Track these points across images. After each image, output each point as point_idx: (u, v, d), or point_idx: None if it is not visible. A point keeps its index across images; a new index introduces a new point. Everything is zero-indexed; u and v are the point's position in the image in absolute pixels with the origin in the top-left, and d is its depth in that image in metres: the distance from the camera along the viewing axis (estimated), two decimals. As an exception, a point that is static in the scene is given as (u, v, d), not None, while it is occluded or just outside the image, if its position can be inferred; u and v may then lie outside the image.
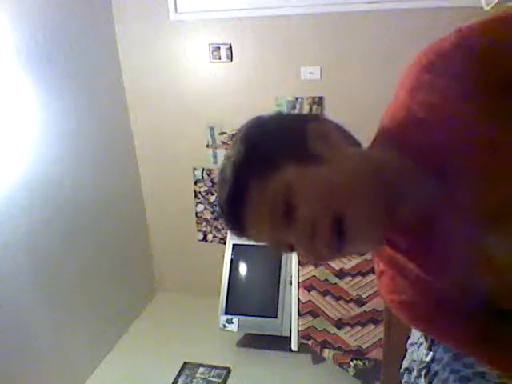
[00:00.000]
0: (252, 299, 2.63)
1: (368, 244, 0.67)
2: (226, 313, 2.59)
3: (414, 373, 1.13)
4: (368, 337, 2.23)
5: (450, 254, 0.64)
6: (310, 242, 0.62)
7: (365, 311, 2.24)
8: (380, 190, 0.63)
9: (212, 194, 2.90)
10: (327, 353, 2.32)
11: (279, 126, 0.69)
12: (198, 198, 2.94)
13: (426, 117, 0.62)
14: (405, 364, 1.23)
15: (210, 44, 2.58)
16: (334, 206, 0.61)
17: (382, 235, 0.66)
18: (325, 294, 2.31)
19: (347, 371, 2.27)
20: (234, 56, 2.58)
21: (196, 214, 2.97)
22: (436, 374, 1.02)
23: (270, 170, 0.63)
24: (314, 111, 2.53)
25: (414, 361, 1.15)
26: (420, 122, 0.63)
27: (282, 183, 0.62)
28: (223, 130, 2.72)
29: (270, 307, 2.53)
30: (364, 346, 2.23)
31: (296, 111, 2.57)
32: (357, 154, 0.68)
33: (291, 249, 0.67)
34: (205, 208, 2.95)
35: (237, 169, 0.65)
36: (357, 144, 0.71)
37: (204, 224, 2.99)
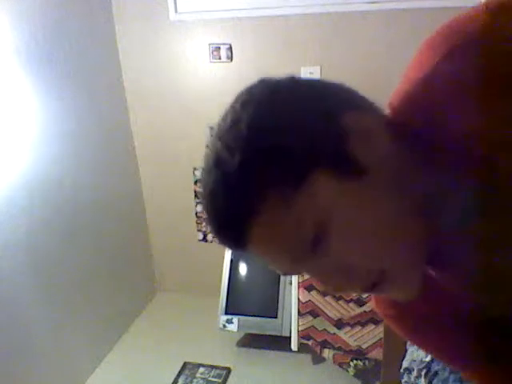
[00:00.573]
0: (252, 299, 2.63)
1: (408, 290, 0.55)
2: (226, 313, 2.59)
3: (414, 373, 1.14)
4: (368, 337, 2.23)
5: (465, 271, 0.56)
6: (341, 280, 0.52)
7: (365, 311, 2.24)
8: (423, 220, 0.51)
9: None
10: (327, 353, 2.32)
11: (301, 106, 0.49)
12: (198, 198, 2.93)
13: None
14: (405, 364, 1.23)
15: (209, 44, 2.58)
16: (379, 258, 0.50)
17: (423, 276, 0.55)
18: (325, 294, 2.31)
19: (347, 371, 2.27)
20: (234, 56, 2.58)
21: (196, 214, 2.97)
22: (436, 373, 1.03)
23: (294, 181, 0.46)
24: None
25: (414, 361, 1.16)
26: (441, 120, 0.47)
27: (316, 205, 0.46)
28: (223, 130, 2.72)
29: (270, 307, 2.53)
30: (364, 346, 2.23)
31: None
32: (394, 161, 0.50)
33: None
34: (205, 208, 2.94)
35: (247, 169, 0.46)
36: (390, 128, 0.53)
37: (204, 224, 2.99)
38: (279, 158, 0.46)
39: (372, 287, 0.52)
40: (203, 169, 0.51)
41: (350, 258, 0.49)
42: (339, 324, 2.28)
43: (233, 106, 0.51)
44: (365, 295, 2.24)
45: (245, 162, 0.46)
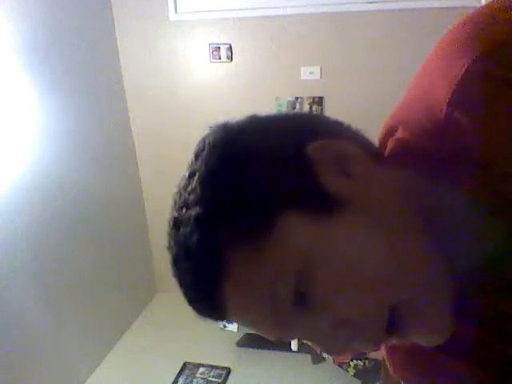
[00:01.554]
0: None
1: (438, 324, 0.44)
2: (226, 313, 2.59)
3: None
4: (368, 337, 2.23)
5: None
6: (346, 338, 0.42)
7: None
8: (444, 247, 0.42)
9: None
10: (327, 353, 2.32)
11: (256, 147, 0.43)
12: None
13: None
14: (405, 364, 1.22)
15: (210, 44, 2.58)
16: (387, 294, 0.41)
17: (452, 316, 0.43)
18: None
19: (347, 371, 2.26)
20: (234, 56, 2.58)
21: (196, 213, 2.97)
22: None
23: (259, 231, 0.40)
24: (314, 111, 2.53)
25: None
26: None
27: (289, 252, 0.40)
28: (223, 130, 2.72)
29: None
30: (364, 346, 2.23)
31: (295, 110, 2.56)
32: (393, 182, 0.44)
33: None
34: (205, 208, 2.94)
35: (204, 228, 0.41)
36: (375, 153, 0.48)
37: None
38: (237, 209, 0.40)
39: (389, 333, 0.42)
40: (168, 226, 0.46)
41: (349, 306, 0.41)
42: (339, 324, 2.28)
43: (190, 159, 0.46)
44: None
45: (201, 220, 0.41)
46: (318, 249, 0.40)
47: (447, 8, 2.18)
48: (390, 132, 0.48)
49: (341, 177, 0.42)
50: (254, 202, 0.40)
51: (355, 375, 2.25)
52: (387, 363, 0.56)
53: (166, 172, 2.95)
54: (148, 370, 2.50)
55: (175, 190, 0.46)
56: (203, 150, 0.44)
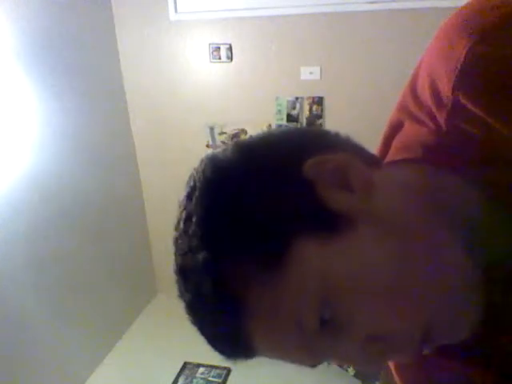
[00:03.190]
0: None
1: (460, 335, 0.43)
2: (226, 313, 2.59)
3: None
4: (368, 337, 2.23)
5: None
6: (379, 358, 0.42)
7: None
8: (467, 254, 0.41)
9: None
10: (327, 353, 2.32)
11: (254, 174, 0.41)
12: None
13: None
14: (405, 364, 1.23)
15: (210, 44, 2.58)
16: (416, 307, 0.40)
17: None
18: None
19: (347, 371, 2.26)
20: (233, 56, 2.57)
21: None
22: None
23: (274, 257, 0.38)
24: (313, 111, 2.53)
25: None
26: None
27: (309, 280, 0.38)
28: (223, 130, 2.72)
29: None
30: (364, 346, 2.23)
31: (296, 111, 2.56)
32: (399, 185, 0.44)
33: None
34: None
35: (214, 273, 0.39)
36: (375, 161, 0.47)
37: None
38: (242, 245, 0.39)
39: (421, 346, 0.41)
40: (175, 274, 0.44)
41: (377, 323, 0.39)
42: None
43: (181, 202, 0.44)
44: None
45: (209, 264, 0.39)
46: (337, 270, 0.39)
47: (447, 8, 2.18)
48: (395, 128, 0.49)
49: (343, 192, 0.41)
50: (258, 235, 0.39)
51: (355, 375, 2.25)
52: (397, 380, 0.55)
53: (166, 172, 2.95)
54: (148, 370, 2.50)
55: (173, 234, 0.44)
56: (195, 189, 0.43)
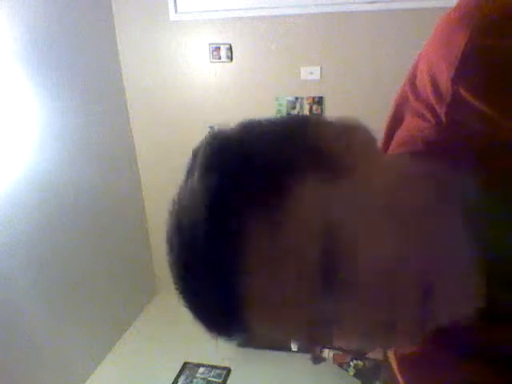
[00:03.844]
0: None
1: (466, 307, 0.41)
2: (226, 313, 2.59)
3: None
4: (368, 337, 2.23)
5: None
6: (383, 316, 0.39)
7: (365, 311, 2.24)
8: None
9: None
10: (327, 353, 2.32)
11: (261, 126, 0.43)
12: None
13: None
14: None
15: (210, 44, 2.58)
16: (419, 258, 0.38)
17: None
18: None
19: (347, 371, 2.26)
20: (233, 56, 2.57)
21: (196, 214, 2.97)
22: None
23: (281, 197, 0.38)
24: (314, 111, 2.53)
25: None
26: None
27: (313, 217, 0.38)
28: (223, 130, 2.72)
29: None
30: (364, 346, 2.23)
31: (296, 111, 2.56)
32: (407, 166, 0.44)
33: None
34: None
35: (213, 205, 0.37)
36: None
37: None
38: (246, 179, 0.38)
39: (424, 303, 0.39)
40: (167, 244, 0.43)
41: (380, 259, 0.38)
42: (339, 324, 2.28)
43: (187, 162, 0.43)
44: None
45: (208, 203, 0.38)
46: (340, 209, 0.38)
47: (447, 8, 2.18)
48: (396, 122, 0.49)
49: (348, 151, 0.41)
50: (262, 173, 0.39)
51: (355, 375, 2.25)
52: (399, 379, 0.51)
53: (166, 172, 2.94)
54: (148, 370, 2.50)
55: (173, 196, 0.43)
56: (198, 151, 0.42)
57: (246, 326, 0.41)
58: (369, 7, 2.31)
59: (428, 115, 0.43)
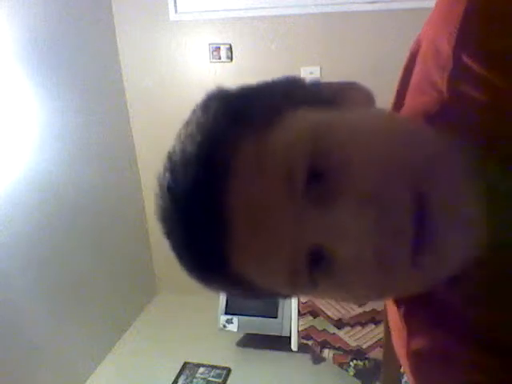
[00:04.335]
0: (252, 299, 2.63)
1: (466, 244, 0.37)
2: (226, 313, 2.59)
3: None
4: (368, 337, 2.23)
5: None
6: (370, 233, 0.35)
7: (365, 311, 2.24)
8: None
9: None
10: (327, 353, 2.32)
11: (258, 87, 0.45)
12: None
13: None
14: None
15: (210, 44, 2.58)
16: (411, 174, 0.36)
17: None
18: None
19: (347, 371, 2.26)
20: (233, 56, 2.58)
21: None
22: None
23: (271, 118, 0.38)
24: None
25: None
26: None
27: (301, 128, 0.37)
28: (223, 130, 2.72)
29: (270, 307, 2.53)
30: (364, 346, 2.23)
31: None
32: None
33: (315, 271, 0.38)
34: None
35: (209, 129, 0.39)
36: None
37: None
38: (243, 108, 0.40)
39: (417, 247, 0.35)
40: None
41: (369, 180, 0.35)
42: (339, 324, 2.28)
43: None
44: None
45: (208, 125, 0.39)
46: (332, 124, 0.38)
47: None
48: (398, 101, 0.49)
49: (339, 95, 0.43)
50: (258, 105, 0.40)
51: (355, 375, 2.25)
52: (410, 378, 0.47)
53: (165, 172, 2.95)
54: (148, 370, 2.50)
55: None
56: (197, 105, 0.44)
57: (229, 254, 0.38)
58: (369, 7, 2.31)
59: (430, 90, 0.42)
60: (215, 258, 0.38)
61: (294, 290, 0.41)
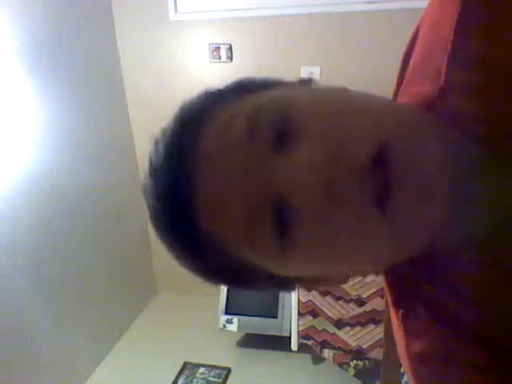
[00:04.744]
0: (252, 299, 2.62)
1: (424, 214, 0.36)
2: (226, 313, 2.59)
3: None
4: (368, 337, 2.23)
5: None
6: (328, 188, 0.34)
7: (365, 311, 2.24)
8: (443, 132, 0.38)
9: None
10: (327, 353, 2.32)
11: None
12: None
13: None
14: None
15: (209, 44, 2.58)
16: (375, 125, 0.36)
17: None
18: (325, 293, 2.31)
19: (347, 371, 2.26)
20: (233, 56, 2.58)
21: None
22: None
23: (243, 93, 0.43)
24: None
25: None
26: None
27: (271, 98, 0.40)
28: (223, 130, 2.72)
29: (270, 307, 2.53)
30: (364, 346, 2.23)
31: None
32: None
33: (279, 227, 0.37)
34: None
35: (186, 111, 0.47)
36: None
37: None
38: (221, 93, 0.46)
39: (378, 201, 0.34)
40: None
41: (333, 130, 0.36)
42: (339, 324, 2.28)
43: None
44: (365, 295, 2.24)
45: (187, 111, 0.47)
46: (296, 95, 0.41)
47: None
48: (398, 88, 0.49)
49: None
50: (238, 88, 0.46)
51: (355, 375, 2.25)
52: (412, 379, 0.46)
53: (165, 172, 2.94)
54: (148, 370, 2.50)
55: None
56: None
57: (195, 203, 0.39)
58: (368, 7, 2.31)
59: (429, 79, 0.42)
60: (184, 210, 0.40)
61: (255, 249, 0.39)
